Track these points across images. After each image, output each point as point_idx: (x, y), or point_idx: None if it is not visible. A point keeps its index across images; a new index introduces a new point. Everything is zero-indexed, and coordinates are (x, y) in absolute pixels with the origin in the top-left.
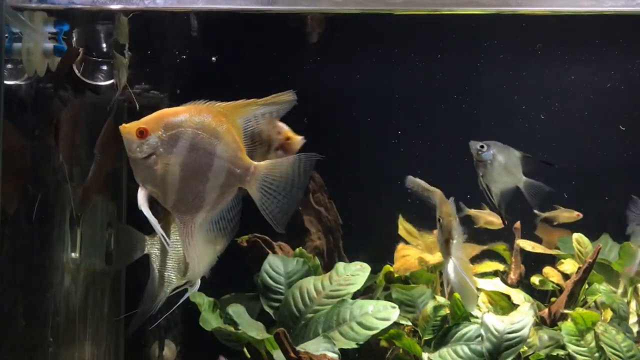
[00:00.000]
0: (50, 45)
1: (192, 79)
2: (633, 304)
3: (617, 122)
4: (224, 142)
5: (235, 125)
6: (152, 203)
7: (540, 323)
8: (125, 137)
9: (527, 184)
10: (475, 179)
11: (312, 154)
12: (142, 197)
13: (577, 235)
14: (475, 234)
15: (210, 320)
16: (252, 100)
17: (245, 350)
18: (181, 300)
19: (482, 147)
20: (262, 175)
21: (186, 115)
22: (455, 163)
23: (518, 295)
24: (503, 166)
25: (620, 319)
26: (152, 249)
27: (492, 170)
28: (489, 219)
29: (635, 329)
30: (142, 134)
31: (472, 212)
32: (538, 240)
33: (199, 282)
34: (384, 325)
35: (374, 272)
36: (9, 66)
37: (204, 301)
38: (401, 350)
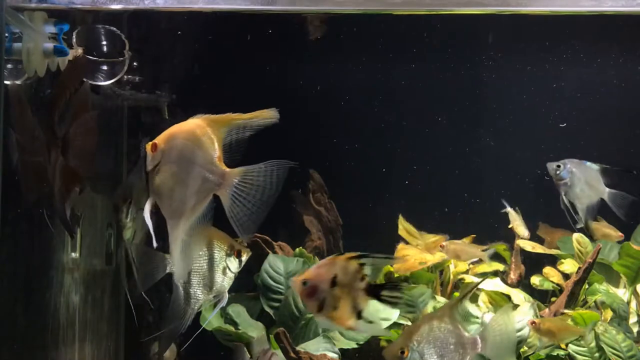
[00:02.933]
0: (50, 45)
1: (191, 79)
2: (633, 304)
3: (617, 122)
4: (203, 149)
5: (218, 135)
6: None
7: None
8: (147, 154)
9: (612, 195)
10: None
11: (285, 161)
12: (147, 207)
13: (577, 235)
14: (475, 234)
15: (211, 320)
16: (238, 114)
17: (245, 350)
18: (209, 318)
19: (558, 166)
20: (234, 182)
21: (180, 127)
22: (455, 160)
23: (518, 295)
24: (583, 181)
25: (620, 319)
26: (174, 267)
27: (574, 187)
28: (606, 231)
29: (635, 329)
30: (154, 148)
31: (592, 224)
32: (538, 240)
33: (226, 296)
34: (384, 325)
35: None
36: (9, 66)
37: None
38: None
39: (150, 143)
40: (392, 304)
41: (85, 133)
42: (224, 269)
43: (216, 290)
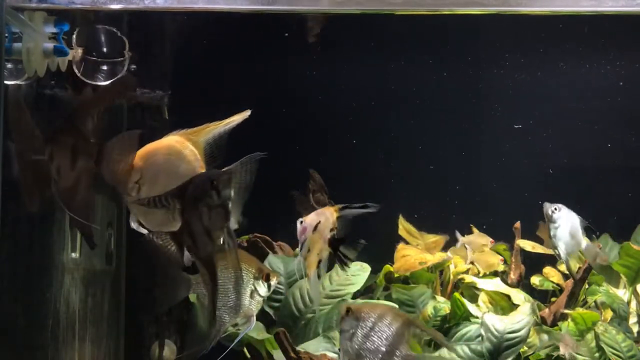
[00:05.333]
0: (50, 45)
1: (191, 79)
2: (633, 304)
3: (617, 122)
4: (186, 162)
5: (199, 146)
6: None
7: (540, 323)
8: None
9: (589, 249)
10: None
11: (255, 154)
12: (133, 220)
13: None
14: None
15: None
16: (214, 123)
17: (245, 350)
18: (236, 340)
19: (555, 209)
20: None
21: (159, 144)
22: (456, 160)
23: (518, 295)
24: (569, 230)
25: (620, 319)
26: (197, 288)
27: (561, 232)
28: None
29: (635, 329)
30: (131, 168)
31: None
32: (538, 240)
33: (254, 320)
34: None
35: (374, 272)
36: (9, 66)
37: None
38: None
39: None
40: (343, 262)
41: (125, 150)
42: (252, 292)
43: (243, 313)
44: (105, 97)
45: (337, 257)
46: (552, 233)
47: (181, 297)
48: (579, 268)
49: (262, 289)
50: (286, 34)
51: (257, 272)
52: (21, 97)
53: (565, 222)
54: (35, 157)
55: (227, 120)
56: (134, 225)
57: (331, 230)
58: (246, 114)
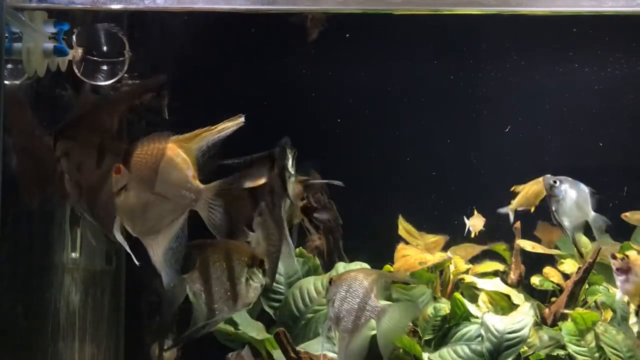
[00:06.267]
0: (50, 45)
1: (191, 79)
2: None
3: (617, 122)
4: (177, 169)
5: (191, 153)
6: None
7: (540, 323)
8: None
9: (595, 219)
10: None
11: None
12: (116, 226)
13: (577, 236)
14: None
15: None
16: (206, 128)
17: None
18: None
19: (555, 182)
20: (209, 196)
21: (148, 148)
22: (456, 160)
23: (518, 295)
24: (574, 202)
25: (620, 319)
26: (193, 286)
27: (564, 205)
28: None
29: (635, 329)
30: (117, 170)
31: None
32: (538, 240)
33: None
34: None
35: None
36: (9, 66)
37: None
38: (401, 350)
39: (115, 166)
40: (316, 226)
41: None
42: (247, 280)
43: (242, 302)
44: (135, 96)
45: (311, 223)
46: (554, 208)
47: (181, 298)
48: (579, 268)
49: (257, 276)
50: (287, 34)
51: (249, 260)
52: (22, 95)
53: (568, 196)
54: (35, 154)
55: (220, 127)
56: (116, 233)
57: (302, 200)
58: (240, 120)
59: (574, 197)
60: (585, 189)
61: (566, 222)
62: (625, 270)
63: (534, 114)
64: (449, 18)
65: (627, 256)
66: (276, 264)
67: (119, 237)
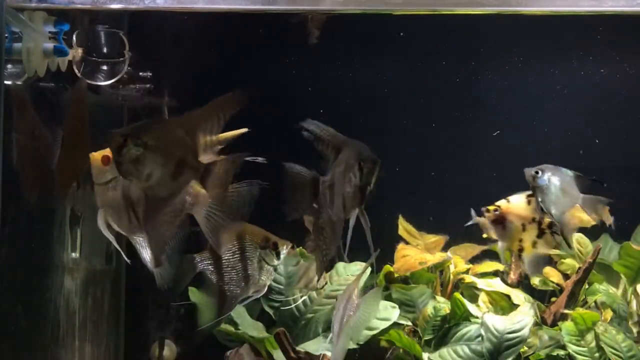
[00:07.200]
0: (50, 45)
1: (191, 79)
2: (633, 304)
3: (617, 122)
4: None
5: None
6: None
7: (540, 323)
8: (92, 165)
9: (586, 201)
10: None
11: (256, 182)
12: (101, 219)
13: (577, 235)
14: (475, 233)
15: None
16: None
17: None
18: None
19: (536, 172)
20: (208, 202)
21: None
22: (456, 160)
23: (518, 295)
24: (559, 188)
25: (620, 319)
26: (204, 265)
27: (550, 194)
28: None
29: (635, 329)
30: (105, 160)
31: None
32: None
33: (265, 289)
34: (384, 325)
35: (374, 272)
36: (9, 66)
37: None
38: (401, 350)
39: (101, 155)
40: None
41: (229, 167)
42: (260, 262)
43: (254, 284)
44: (219, 112)
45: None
46: (540, 199)
47: (189, 277)
48: (579, 268)
49: (271, 258)
50: (287, 34)
51: (262, 242)
52: (25, 94)
53: (552, 183)
54: (35, 154)
55: (221, 136)
56: (101, 226)
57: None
58: (242, 131)
59: (557, 183)
60: (569, 172)
61: (554, 211)
62: (500, 220)
63: (533, 114)
64: (448, 18)
65: (499, 207)
66: (325, 262)
67: (105, 232)
